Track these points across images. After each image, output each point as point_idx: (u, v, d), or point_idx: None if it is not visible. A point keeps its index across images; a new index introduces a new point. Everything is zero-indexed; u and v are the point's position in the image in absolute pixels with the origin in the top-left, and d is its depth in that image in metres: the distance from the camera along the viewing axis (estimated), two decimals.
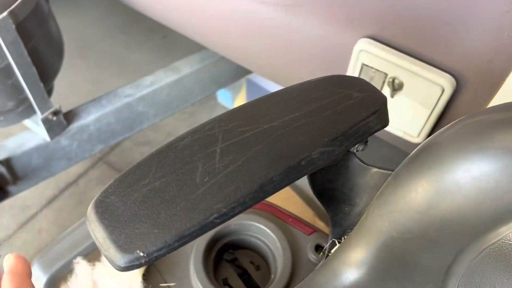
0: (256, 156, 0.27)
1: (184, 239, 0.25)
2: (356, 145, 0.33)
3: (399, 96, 0.52)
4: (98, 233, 0.26)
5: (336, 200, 0.40)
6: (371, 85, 0.32)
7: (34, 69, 0.67)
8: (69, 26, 1.57)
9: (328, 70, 0.58)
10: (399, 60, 0.48)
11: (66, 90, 1.35)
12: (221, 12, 0.66)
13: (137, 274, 0.49)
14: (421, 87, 0.49)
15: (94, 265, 0.52)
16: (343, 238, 0.40)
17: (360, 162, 0.37)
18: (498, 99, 0.47)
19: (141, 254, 0.24)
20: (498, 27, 0.44)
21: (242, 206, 0.27)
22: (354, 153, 0.36)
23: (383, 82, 0.51)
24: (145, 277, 0.51)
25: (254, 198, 0.26)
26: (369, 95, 0.31)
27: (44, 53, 0.71)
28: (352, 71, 0.53)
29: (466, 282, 0.32)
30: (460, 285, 0.33)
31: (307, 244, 0.51)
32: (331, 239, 0.41)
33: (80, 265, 0.51)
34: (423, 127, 0.53)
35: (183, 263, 0.50)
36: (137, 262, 0.24)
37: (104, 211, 0.26)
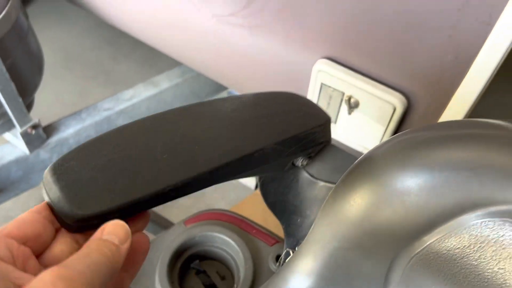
0: (214, 142, 0.30)
1: (139, 206, 0.27)
2: (301, 160, 0.36)
3: (356, 113, 0.55)
4: (53, 194, 0.26)
5: (288, 211, 0.42)
6: (318, 106, 0.36)
7: (12, 85, 0.69)
8: (56, 37, 1.59)
9: (292, 89, 0.61)
10: (353, 80, 0.51)
11: (51, 101, 1.37)
12: (194, 31, 0.69)
13: None
14: (374, 105, 0.52)
15: None
16: (296, 248, 0.42)
17: (309, 176, 0.39)
18: (445, 118, 0.50)
19: (93, 213, 0.26)
20: (442, 51, 0.47)
21: (194, 183, 0.29)
22: (303, 168, 0.39)
23: (341, 100, 0.54)
24: None
25: (205, 179, 0.29)
26: (316, 111, 0.35)
27: (23, 69, 0.73)
28: (313, 89, 0.56)
29: None
30: None
31: (269, 254, 0.54)
32: (285, 249, 0.44)
33: None
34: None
35: (149, 272, 0.52)
36: (89, 222, 0.26)
37: (62, 173, 0.27)
